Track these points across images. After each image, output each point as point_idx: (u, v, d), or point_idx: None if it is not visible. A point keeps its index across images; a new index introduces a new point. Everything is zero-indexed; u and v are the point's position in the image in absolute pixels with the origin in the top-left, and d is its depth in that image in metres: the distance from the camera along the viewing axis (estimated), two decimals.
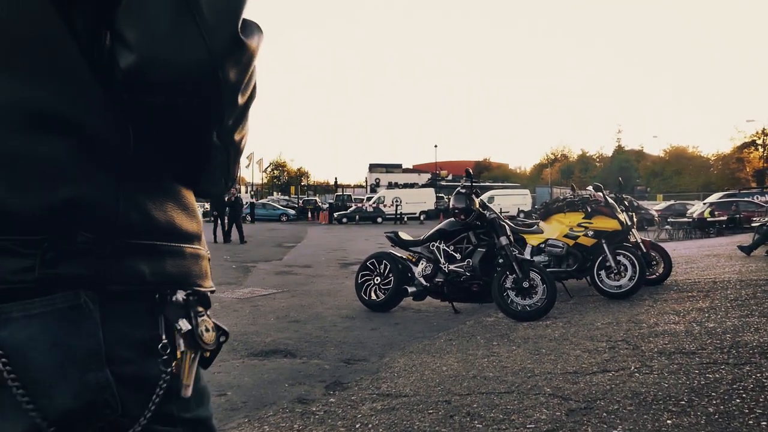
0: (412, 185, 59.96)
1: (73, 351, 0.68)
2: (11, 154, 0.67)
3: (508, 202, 44.89)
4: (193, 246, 0.83)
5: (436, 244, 7.07)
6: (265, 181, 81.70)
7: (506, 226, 6.74)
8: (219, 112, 0.74)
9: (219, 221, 20.76)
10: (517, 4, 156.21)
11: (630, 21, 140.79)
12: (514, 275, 6.42)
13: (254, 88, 0.78)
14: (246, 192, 57.60)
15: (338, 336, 6.04)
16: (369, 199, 49.52)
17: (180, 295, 0.79)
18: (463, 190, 6.83)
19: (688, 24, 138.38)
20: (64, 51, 0.69)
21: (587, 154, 79.21)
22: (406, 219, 41.90)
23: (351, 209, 43.51)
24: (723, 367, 3.93)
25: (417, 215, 43.38)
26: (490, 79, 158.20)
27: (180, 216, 0.81)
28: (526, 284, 6.36)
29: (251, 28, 0.74)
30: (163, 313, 0.77)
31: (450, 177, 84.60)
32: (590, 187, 8.34)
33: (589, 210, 7.70)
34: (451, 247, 6.96)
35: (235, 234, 20.44)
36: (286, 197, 61.56)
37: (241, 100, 0.75)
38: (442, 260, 6.95)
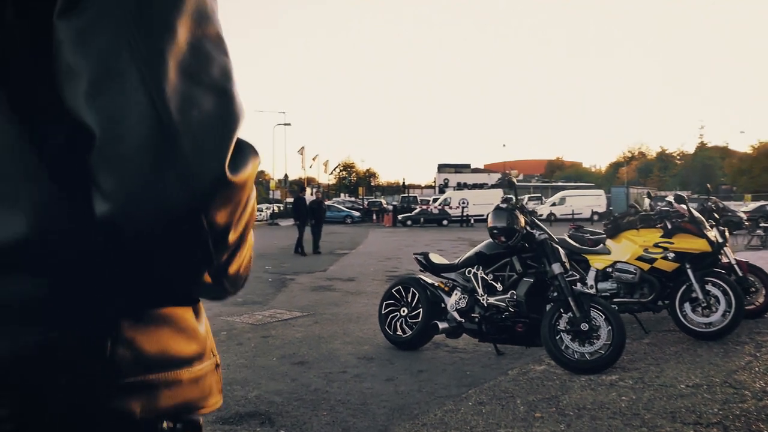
0: (481, 185, 58.46)
1: None
2: None
3: (581, 203, 42.72)
4: (193, 368, 0.74)
5: (473, 271, 5.71)
6: (333, 181, 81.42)
7: (560, 249, 5.31)
8: (207, 256, 0.65)
9: (302, 230, 18.07)
10: None
11: (710, 8, 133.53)
12: (569, 313, 5.01)
13: (252, 211, 0.70)
14: (310, 193, 57.07)
15: (341, 390, 4.78)
16: (435, 200, 48.16)
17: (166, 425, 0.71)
18: (504, 205, 5.44)
19: None
20: (38, 182, 0.62)
21: (666, 152, 74.88)
22: (472, 221, 40.26)
23: (416, 211, 42.21)
24: None
25: (484, 217, 41.53)
26: (563, 74, 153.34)
27: (176, 340, 0.72)
28: (585, 326, 4.94)
29: (244, 155, 0.66)
30: None
31: (521, 177, 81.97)
32: (670, 197, 6.76)
33: (669, 226, 6.15)
34: (491, 276, 5.58)
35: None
36: (353, 199, 60.79)
37: (233, 236, 0.67)
38: (480, 291, 5.59)
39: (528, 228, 5.41)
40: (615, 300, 6.25)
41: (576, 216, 39.94)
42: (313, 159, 61.57)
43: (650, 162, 74.17)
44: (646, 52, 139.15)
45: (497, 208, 5.47)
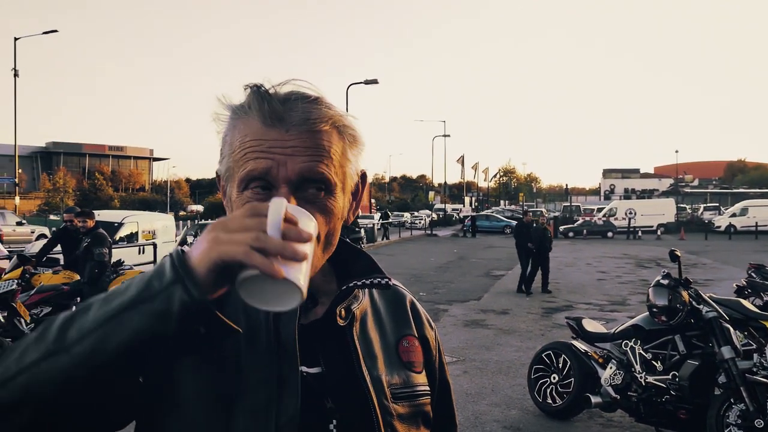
0: (650, 192, 55.19)
1: None
2: None
3: (767, 214, 38.77)
4: None
5: (630, 344, 5.29)
6: (493, 186, 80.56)
7: (731, 330, 4.78)
8: None
9: (526, 263, 14.82)
10: None
11: None
12: (741, 405, 4.48)
13: None
14: (469, 203, 56.85)
15: None
16: (599, 210, 46.09)
17: None
18: (665, 281, 4.98)
19: None
20: None
21: None
22: (640, 233, 38.02)
23: (578, 222, 40.62)
24: None
25: (654, 228, 39.14)
26: (747, 65, 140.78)
27: None
28: (760, 422, 4.39)
29: None
30: None
31: (696, 182, 76.10)
32: None
33: None
34: (650, 353, 5.14)
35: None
36: (512, 207, 59.79)
37: None
38: (637, 367, 5.17)
39: (694, 303, 4.92)
40: None
41: (761, 228, 36.37)
42: (473, 167, 61.33)
43: None
44: None
45: (657, 285, 5.02)
